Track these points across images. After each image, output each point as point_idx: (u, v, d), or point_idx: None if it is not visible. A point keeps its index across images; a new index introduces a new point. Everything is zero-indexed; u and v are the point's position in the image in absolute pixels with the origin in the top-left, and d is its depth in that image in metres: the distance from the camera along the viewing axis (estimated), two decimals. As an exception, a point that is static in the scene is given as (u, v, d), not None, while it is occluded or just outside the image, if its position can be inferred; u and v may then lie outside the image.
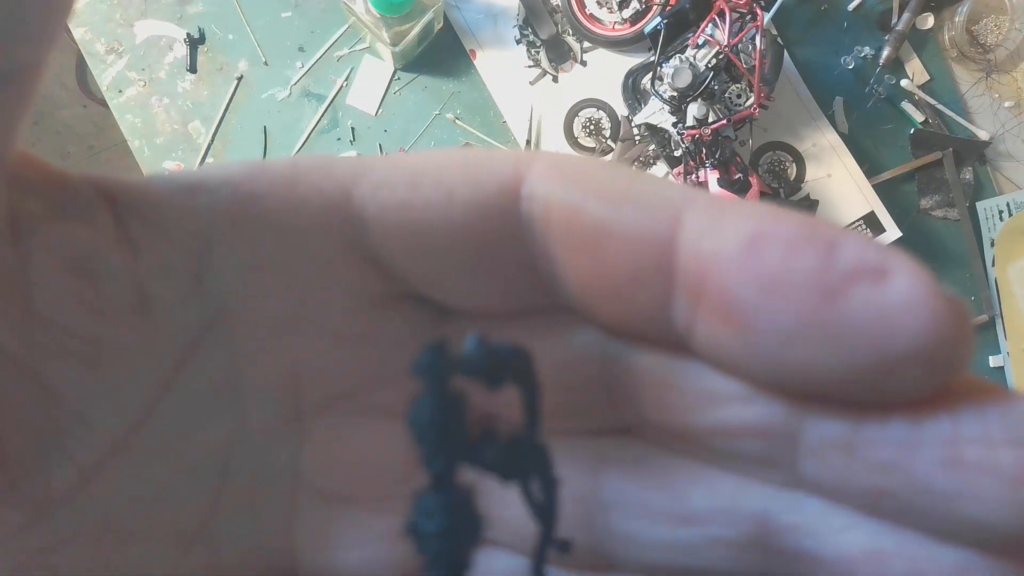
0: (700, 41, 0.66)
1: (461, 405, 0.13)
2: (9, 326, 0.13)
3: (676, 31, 0.67)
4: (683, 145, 0.68)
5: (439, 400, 0.13)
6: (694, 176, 0.68)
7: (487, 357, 0.13)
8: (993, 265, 0.74)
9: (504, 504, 0.15)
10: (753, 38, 0.65)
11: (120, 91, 0.72)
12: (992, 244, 0.74)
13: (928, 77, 0.75)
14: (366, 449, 0.17)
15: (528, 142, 0.73)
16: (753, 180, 0.67)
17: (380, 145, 0.73)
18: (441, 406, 0.13)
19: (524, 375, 0.13)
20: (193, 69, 0.73)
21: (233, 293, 0.15)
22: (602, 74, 0.73)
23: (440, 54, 0.73)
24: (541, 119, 0.73)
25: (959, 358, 0.11)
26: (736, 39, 0.65)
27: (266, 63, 0.73)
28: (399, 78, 0.73)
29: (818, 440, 0.13)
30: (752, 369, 0.12)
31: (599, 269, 0.13)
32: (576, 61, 0.74)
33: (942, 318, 0.11)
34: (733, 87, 0.67)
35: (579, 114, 0.73)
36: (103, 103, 0.83)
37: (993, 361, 0.74)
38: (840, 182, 0.73)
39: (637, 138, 0.73)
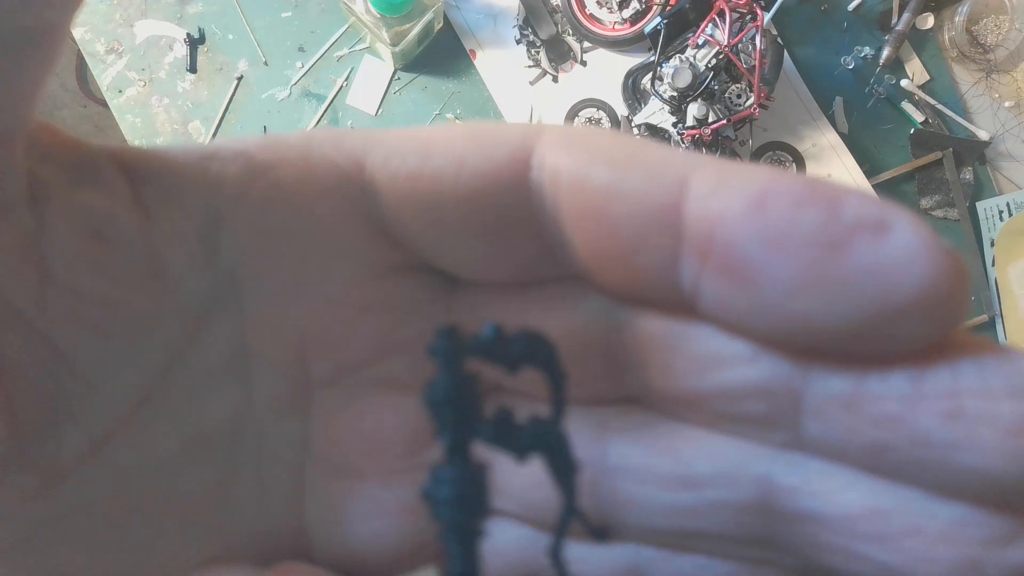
0: (700, 41, 0.66)
1: (473, 385, 0.14)
2: (24, 290, 0.13)
3: (676, 31, 0.67)
4: (683, 145, 0.68)
5: (451, 379, 0.13)
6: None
7: (499, 343, 0.13)
8: (993, 265, 0.74)
9: (514, 477, 0.15)
10: (753, 38, 0.65)
11: (120, 91, 0.72)
12: (992, 244, 0.74)
13: (928, 77, 0.75)
14: (375, 422, 0.17)
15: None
16: (753, 180, 0.67)
17: (380, 145, 0.73)
18: (453, 384, 0.13)
19: (548, 363, 0.14)
20: (193, 69, 0.73)
21: (244, 262, 0.16)
22: (602, 74, 0.73)
23: (440, 54, 0.73)
24: (541, 119, 0.73)
25: (958, 308, 0.12)
26: (736, 39, 0.65)
27: (266, 63, 0.73)
28: (399, 78, 0.73)
29: (821, 397, 0.13)
30: (757, 325, 0.13)
31: (607, 234, 0.13)
32: (576, 61, 0.74)
33: (941, 268, 0.11)
34: (733, 87, 0.67)
35: (579, 114, 0.73)
36: (103, 103, 0.83)
37: (993, 361, 0.74)
38: (840, 182, 0.73)
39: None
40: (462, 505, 0.14)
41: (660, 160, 0.13)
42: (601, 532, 0.15)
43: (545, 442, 0.14)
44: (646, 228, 0.13)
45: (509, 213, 0.14)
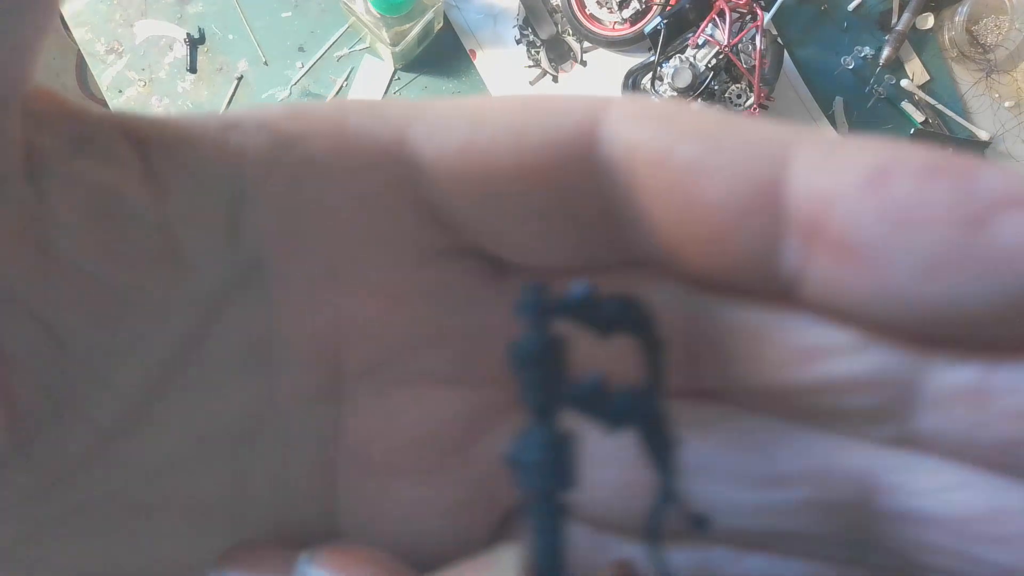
0: (700, 41, 0.66)
1: (562, 346, 0.13)
2: (22, 271, 0.12)
3: (676, 31, 0.67)
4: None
5: (539, 337, 0.12)
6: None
7: (591, 304, 0.13)
8: (993, 265, 0.74)
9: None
10: (753, 38, 0.65)
11: (120, 91, 0.72)
12: (992, 244, 0.74)
13: (928, 77, 0.75)
14: (415, 417, 0.15)
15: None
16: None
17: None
18: (541, 342, 0.12)
19: (644, 329, 0.13)
20: (193, 69, 0.73)
21: (270, 244, 0.14)
22: (602, 74, 0.73)
23: (440, 54, 0.73)
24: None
25: None
26: (736, 39, 0.65)
27: (266, 63, 0.73)
28: (399, 78, 0.73)
29: (944, 389, 0.12)
30: (878, 311, 0.12)
31: (694, 215, 0.12)
32: (576, 61, 0.74)
33: None
34: (733, 87, 0.67)
35: (579, 114, 0.73)
36: (103, 103, 0.83)
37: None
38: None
39: (637, 138, 0.73)
40: (552, 471, 0.12)
41: (755, 133, 0.12)
42: (701, 520, 0.13)
43: (641, 414, 0.13)
44: (742, 208, 0.12)
45: (572, 191, 0.13)
